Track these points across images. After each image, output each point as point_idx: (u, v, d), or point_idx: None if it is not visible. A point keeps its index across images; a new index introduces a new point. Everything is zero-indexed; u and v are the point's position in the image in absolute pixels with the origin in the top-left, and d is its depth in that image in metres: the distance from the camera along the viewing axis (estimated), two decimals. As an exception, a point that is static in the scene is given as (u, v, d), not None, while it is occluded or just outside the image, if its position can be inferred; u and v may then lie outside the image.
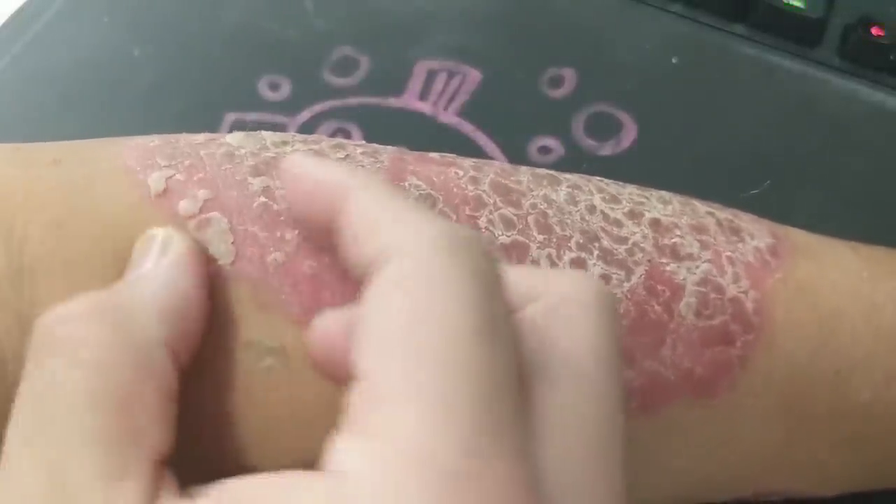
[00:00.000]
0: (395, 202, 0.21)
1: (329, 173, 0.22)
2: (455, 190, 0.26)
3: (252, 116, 0.41)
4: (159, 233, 0.23)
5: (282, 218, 0.24)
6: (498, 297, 0.20)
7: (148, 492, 0.19)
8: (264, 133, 0.27)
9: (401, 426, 0.17)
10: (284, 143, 0.26)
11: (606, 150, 0.41)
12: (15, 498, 0.19)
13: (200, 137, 0.26)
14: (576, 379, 0.20)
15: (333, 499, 0.17)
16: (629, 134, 0.41)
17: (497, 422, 0.18)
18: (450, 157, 0.27)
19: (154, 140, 0.26)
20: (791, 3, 0.44)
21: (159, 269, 0.23)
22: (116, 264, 0.23)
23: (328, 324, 0.22)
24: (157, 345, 0.21)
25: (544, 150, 0.41)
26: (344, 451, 0.18)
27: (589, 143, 0.41)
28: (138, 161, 0.25)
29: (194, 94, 0.42)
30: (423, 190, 0.25)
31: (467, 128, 0.41)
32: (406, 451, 0.17)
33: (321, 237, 0.22)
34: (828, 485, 0.28)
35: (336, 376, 0.21)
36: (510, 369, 0.19)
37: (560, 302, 0.21)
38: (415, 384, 0.18)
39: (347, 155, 0.26)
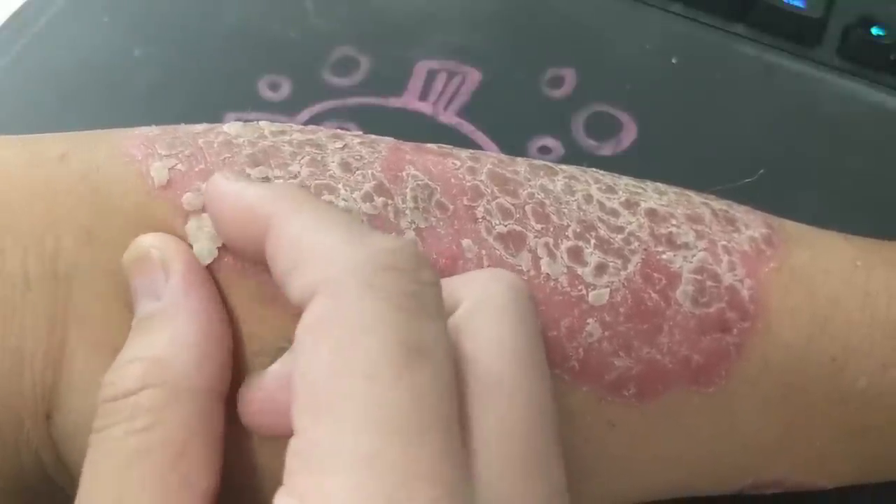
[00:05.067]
0: (320, 230, 0.21)
1: (254, 197, 0.22)
2: (452, 180, 0.26)
3: (252, 116, 0.41)
4: (153, 250, 0.23)
5: None
6: (428, 315, 0.20)
7: None
8: (262, 123, 0.27)
9: (330, 491, 0.18)
10: (282, 132, 0.26)
11: (606, 150, 0.41)
12: None
13: (199, 127, 0.26)
14: (501, 389, 0.21)
15: None
16: (629, 134, 0.41)
17: (429, 462, 0.18)
18: (447, 148, 0.27)
19: (153, 130, 0.26)
20: (791, 2, 0.44)
21: (175, 303, 0.23)
22: None
23: (266, 381, 0.22)
24: (203, 393, 0.22)
25: (544, 150, 0.41)
26: None
27: (589, 143, 0.41)
28: (139, 150, 0.25)
29: (194, 94, 0.42)
30: (421, 180, 0.25)
31: (467, 128, 0.41)
32: None
33: (256, 259, 0.22)
34: (827, 476, 0.28)
35: (280, 432, 0.21)
36: (444, 393, 0.19)
37: (474, 307, 0.22)
38: (342, 447, 0.18)
39: (345, 145, 0.26)
